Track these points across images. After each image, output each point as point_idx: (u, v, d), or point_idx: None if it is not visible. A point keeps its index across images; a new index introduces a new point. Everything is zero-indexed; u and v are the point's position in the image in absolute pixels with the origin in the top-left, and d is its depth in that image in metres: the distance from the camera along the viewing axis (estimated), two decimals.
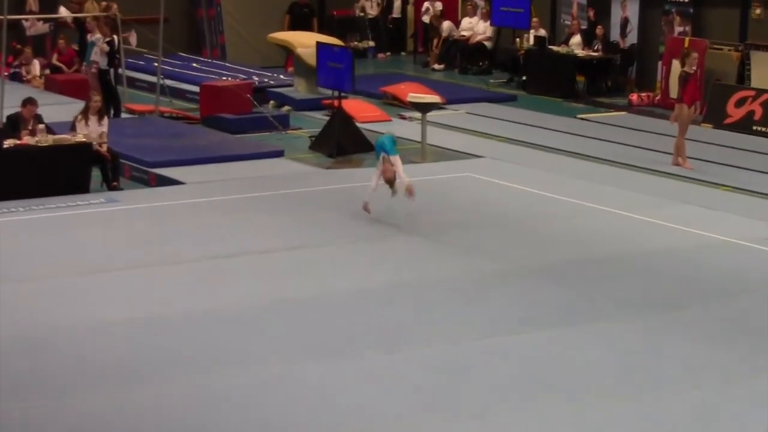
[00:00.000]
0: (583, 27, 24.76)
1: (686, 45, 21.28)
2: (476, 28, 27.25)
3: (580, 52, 24.18)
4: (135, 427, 8.77)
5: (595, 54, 24.04)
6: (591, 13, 24.91)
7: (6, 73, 19.90)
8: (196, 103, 21.47)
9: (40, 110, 16.11)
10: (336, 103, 19.45)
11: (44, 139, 15.55)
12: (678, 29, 23.11)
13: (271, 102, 22.27)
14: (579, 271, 12.45)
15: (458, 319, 11.00)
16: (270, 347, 10.25)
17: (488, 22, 26.76)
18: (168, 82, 22.65)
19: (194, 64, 25.98)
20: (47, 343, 10.32)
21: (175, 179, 16.25)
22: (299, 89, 22.67)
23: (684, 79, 17.31)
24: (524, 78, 24.91)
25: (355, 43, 28.75)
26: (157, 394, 9.29)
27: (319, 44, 20.67)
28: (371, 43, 29.58)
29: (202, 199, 15.19)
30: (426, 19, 28.61)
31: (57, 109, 18.62)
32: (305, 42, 22.62)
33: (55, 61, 24.42)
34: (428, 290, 11.76)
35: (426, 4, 28.63)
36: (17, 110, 16.01)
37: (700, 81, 18.39)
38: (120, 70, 21.30)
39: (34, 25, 25.16)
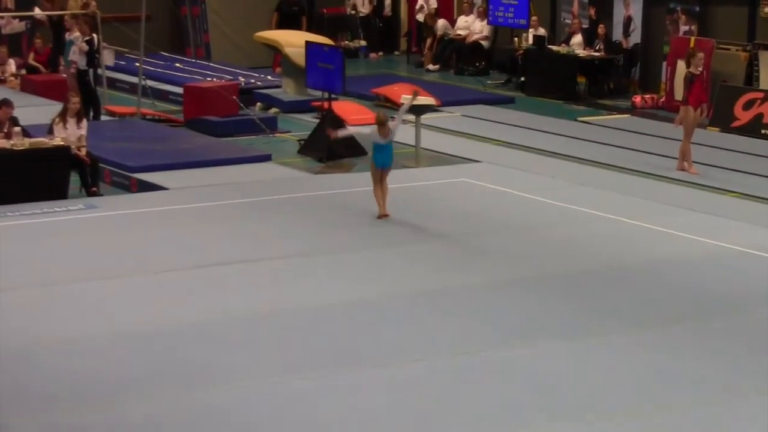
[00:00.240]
0: (585, 26, 24.70)
1: (692, 45, 21.24)
2: (472, 26, 27.24)
3: (581, 52, 24.09)
4: None
5: (597, 54, 23.94)
6: (592, 12, 24.90)
7: None
8: (180, 105, 21.45)
9: (15, 112, 16.03)
10: (326, 105, 19.41)
11: (20, 143, 15.45)
12: (683, 28, 23.05)
13: (258, 104, 22.22)
14: (580, 281, 12.36)
15: (452, 331, 10.88)
16: (255, 361, 10.15)
17: (485, 21, 26.84)
18: (150, 82, 22.71)
19: (177, 65, 25.96)
20: (27, 354, 10.27)
21: (157, 185, 16.17)
22: (287, 90, 22.62)
23: (689, 80, 17.24)
24: (523, 79, 24.84)
25: (346, 42, 28.86)
26: (141, 410, 9.23)
27: (308, 44, 20.63)
28: (363, 43, 29.70)
29: (186, 206, 15.11)
30: (420, 17, 28.81)
31: (34, 110, 18.63)
32: (294, 41, 22.59)
33: (31, 60, 24.44)
34: (419, 302, 11.66)
35: (420, 2, 28.81)
36: None
37: (706, 82, 18.59)
38: (99, 71, 21.41)
39: (10, 23, 25.14)
